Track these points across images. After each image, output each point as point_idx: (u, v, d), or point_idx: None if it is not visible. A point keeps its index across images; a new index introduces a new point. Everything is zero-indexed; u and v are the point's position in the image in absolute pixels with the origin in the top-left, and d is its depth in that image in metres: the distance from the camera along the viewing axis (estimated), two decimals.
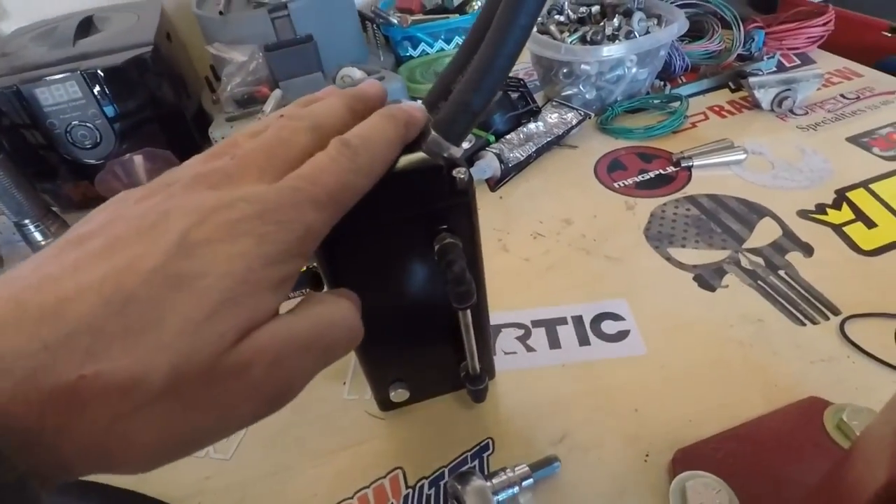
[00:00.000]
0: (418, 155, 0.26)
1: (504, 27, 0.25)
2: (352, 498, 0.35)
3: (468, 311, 0.31)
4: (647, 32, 0.65)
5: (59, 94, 0.60)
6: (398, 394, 0.37)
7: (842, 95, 0.68)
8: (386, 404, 0.39)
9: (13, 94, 0.59)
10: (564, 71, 0.66)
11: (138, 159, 0.62)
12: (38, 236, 0.59)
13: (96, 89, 0.60)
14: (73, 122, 0.61)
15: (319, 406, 0.41)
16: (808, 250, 0.48)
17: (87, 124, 0.62)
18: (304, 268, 0.43)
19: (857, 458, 0.22)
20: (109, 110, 0.62)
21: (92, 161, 0.64)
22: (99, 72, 0.60)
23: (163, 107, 0.66)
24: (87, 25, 0.71)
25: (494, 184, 0.61)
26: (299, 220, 0.19)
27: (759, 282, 0.46)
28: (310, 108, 0.24)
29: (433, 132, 0.27)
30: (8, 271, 0.17)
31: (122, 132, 0.64)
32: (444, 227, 0.29)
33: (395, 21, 0.77)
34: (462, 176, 0.27)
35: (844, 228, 0.50)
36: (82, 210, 0.68)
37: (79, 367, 0.14)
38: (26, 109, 0.60)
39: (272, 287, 0.18)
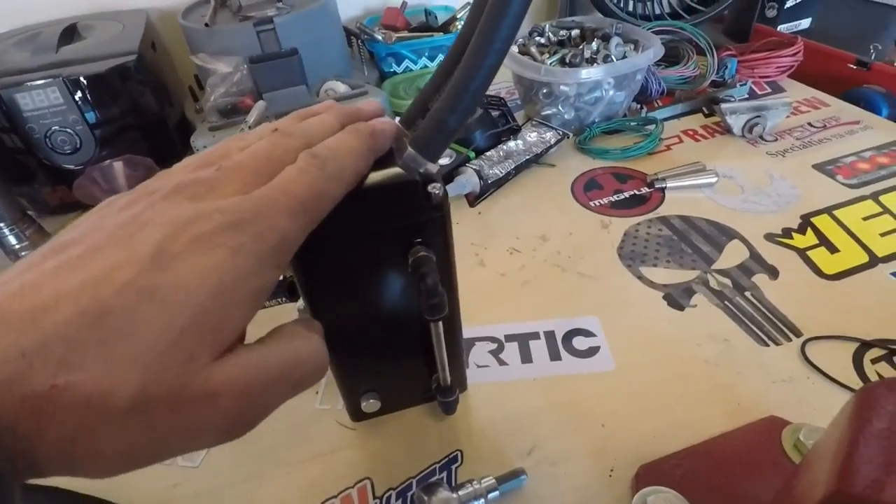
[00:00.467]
0: (394, 170, 0.27)
1: (480, 50, 0.26)
2: None
3: (440, 324, 0.31)
4: (625, 57, 0.67)
5: (39, 100, 0.59)
6: (370, 404, 0.37)
7: (809, 124, 0.71)
8: (357, 415, 0.39)
9: None
10: (544, 91, 0.68)
11: (118, 165, 0.62)
12: (12, 240, 0.58)
13: (78, 96, 0.60)
14: (54, 128, 0.61)
15: (291, 415, 0.41)
16: (773, 273, 0.50)
17: (68, 130, 0.62)
18: (282, 277, 0.44)
19: (803, 472, 0.23)
20: (91, 117, 0.62)
21: (71, 166, 0.64)
22: (81, 79, 0.60)
23: (145, 115, 0.66)
24: (70, 33, 0.71)
25: (474, 199, 0.62)
26: (274, 230, 0.19)
27: (727, 302, 0.47)
28: (304, 125, 0.25)
29: (410, 148, 0.28)
30: None
31: (103, 138, 0.64)
32: (419, 240, 0.29)
33: (380, 38, 0.79)
34: (437, 191, 0.28)
35: (808, 253, 0.51)
36: (59, 215, 0.67)
37: (52, 377, 0.15)
38: (5, 114, 0.60)
39: (245, 301, 0.19)
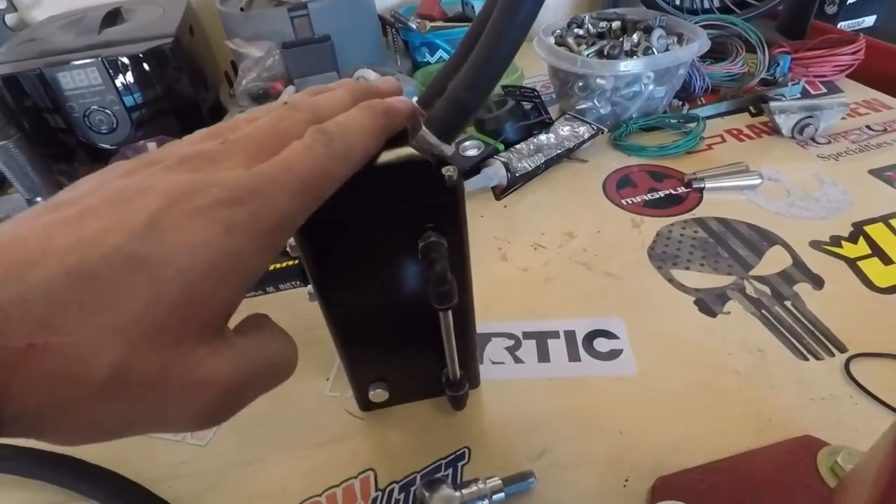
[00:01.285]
0: (406, 149, 0.26)
1: (500, 26, 0.25)
2: (320, 496, 0.35)
3: (449, 314, 0.30)
4: (667, 50, 0.64)
5: (80, 79, 0.61)
6: (377, 394, 0.36)
7: (867, 127, 0.66)
8: (366, 404, 0.38)
9: (36, 77, 0.61)
10: (580, 84, 0.66)
11: (151, 146, 0.63)
12: None
13: (116, 76, 0.62)
14: (92, 107, 0.63)
15: (300, 400, 0.41)
16: (818, 282, 0.46)
17: (105, 110, 0.63)
18: (295, 261, 0.43)
19: (839, 497, 0.21)
20: (127, 97, 0.63)
21: (107, 146, 0.65)
22: (119, 59, 0.61)
23: (179, 97, 0.67)
24: (114, 16, 0.73)
25: (500, 192, 0.60)
26: (273, 209, 0.19)
27: (764, 311, 0.44)
28: (314, 100, 0.24)
29: (424, 129, 0.27)
30: None
31: (139, 120, 0.65)
32: (431, 225, 0.28)
33: (414, 26, 0.78)
34: (451, 174, 0.26)
35: (859, 263, 0.48)
36: None
37: (30, 335, 0.14)
38: (48, 93, 0.61)
39: (236, 283, 0.18)
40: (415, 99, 0.29)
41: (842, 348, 0.40)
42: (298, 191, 0.19)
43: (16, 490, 0.36)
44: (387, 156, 0.25)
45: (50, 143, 0.65)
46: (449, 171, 0.26)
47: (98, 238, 0.16)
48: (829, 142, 0.64)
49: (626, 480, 0.34)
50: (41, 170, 0.58)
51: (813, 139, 0.64)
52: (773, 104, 0.64)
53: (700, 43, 0.63)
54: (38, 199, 0.59)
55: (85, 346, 0.15)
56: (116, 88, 0.62)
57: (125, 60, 0.61)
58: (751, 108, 0.71)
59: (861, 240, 0.50)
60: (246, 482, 0.36)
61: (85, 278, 0.15)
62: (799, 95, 0.72)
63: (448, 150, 0.27)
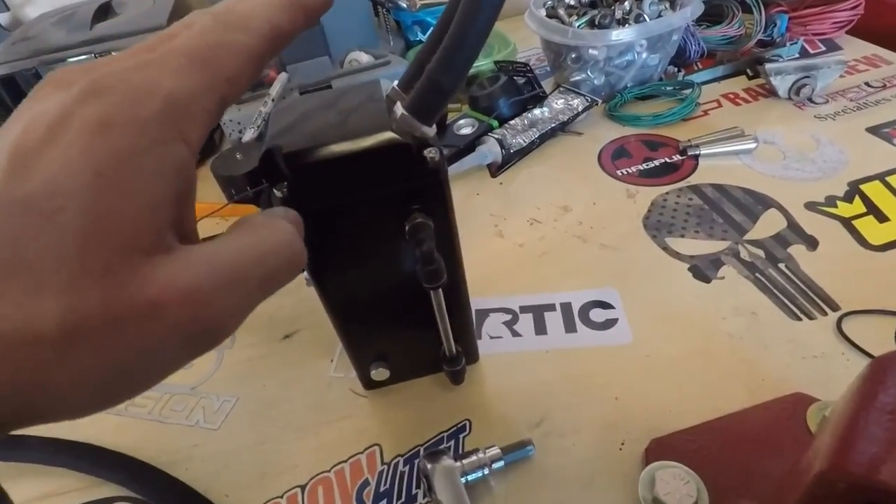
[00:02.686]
0: (387, 134, 0.26)
1: (472, 6, 0.25)
2: (329, 471, 0.36)
3: (440, 292, 0.31)
4: (660, 16, 0.63)
5: None
6: (378, 373, 0.37)
7: (866, 83, 0.65)
8: (369, 383, 0.40)
9: (33, 77, 0.61)
10: (573, 56, 0.65)
11: None
12: None
13: None
14: None
15: (307, 382, 0.42)
16: (812, 243, 0.46)
17: None
18: None
19: (813, 446, 0.22)
20: None
21: None
22: (114, 55, 0.61)
23: None
24: (105, 10, 0.73)
25: (496, 170, 0.60)
26: (151, 89, 0.16)
27: (757, 274, 0.44)
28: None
29: (404, 111, 0.27)
30: None
31: None
32: (417, 206, 0.29)
33: (405, 5, 0.77)
34: (433, 155, 0.27)
35: (854, 222, 0.48)
36: None
37: None
38: None
39: (145, 187, 0.15)
40: (395, 83, 0.30)
41: (834, 307, 0.41)
42: (184, 66, 0.17)
43: (38, 477, 0.38)
44: (368, 140, 0.26)
45: None
46: (431, 152, 0.27)
47: None
48: (827, 101, 0.63)
49: (622, 444, 0.35)
50: None
51: (810, 99, 0.64)
52: (768, 66, 0.63)
53: (693, 7, 0.62)
54: None
55: (17, 312, 0.13)
56: None
57: None
58: (748, 70, 0.71)
59: (857, 199, 0.50)
60: (258, 461, 0.38)
61: None
62: (797, 55, 0.71)
63: (429, 131, 0.28)
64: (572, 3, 0.69)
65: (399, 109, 0.27)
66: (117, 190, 0.15)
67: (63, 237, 0.14)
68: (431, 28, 0.29)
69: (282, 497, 0.35)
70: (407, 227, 0.28)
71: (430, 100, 0.27)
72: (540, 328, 0.43)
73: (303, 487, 0.36)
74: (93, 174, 0.14)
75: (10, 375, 0.14)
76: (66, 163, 0.14)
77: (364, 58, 0.68)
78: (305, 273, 0.32)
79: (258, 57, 0.18)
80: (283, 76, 0.64)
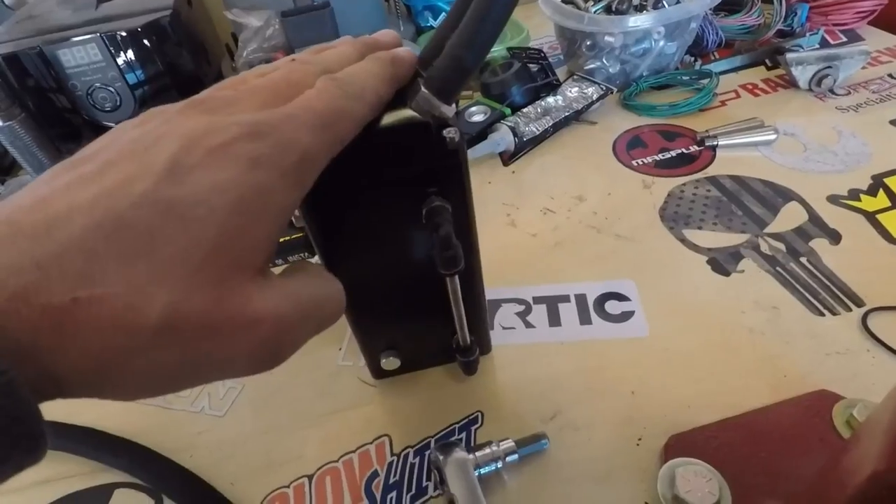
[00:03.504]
0: (405, 112, 0.25)
1: None
2: (337, 461, 0.35)
3: (456, 279, 0.30)
4: (678, 3, 0.62)
5: (80, 57, 0.61)
6: (389, 362, 0.36)
7: (890, 75, 0.63)
8: (378, 372, 0.39)
9: (37, 55, 0.60)
10: (588, 43, 0.64)
11: None
12: None
13: (116, 52, 0.61)
14: (95, 85, 0.62)
15: (314, 370, 0.41)
16: (834, 237, 0.45)
17: (108, 87, 0.63)
18: (301, 232, 0.43)
19: (853, 447, 0.20)
20: (129, 74, 0.63)
21: (112, 124, 0.65)
22: (118, 34, 0.60)
23: (181, 72, 0.66)
24: None
25: (508, 158, 0.59)
26: (294, 143, 0.19)
27: (778, 268, 0.43)
28: (323, 54, 0.24)
29: (424, 90, 0.26)
30: (13, 195, 0.17)
31: (142, 96, 0.64)
32: (434, 189, 0.28)
33: None
34: (452, 136, 0.26)
35: (878, 216, 0.46)
36: None
37: (72, 289, 0.14)
38: (50, 71, 0.61)
39: (268, 219, 0.18)
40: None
41: (859, 303, 0.40)
42: (317, 126, 0.19)
43: (41, 461, 0.37)
44: (386, 119, 0.25)
45: (55, 123, 0.65)
46: (450, 132, 0.26)
47: (122, 188, 0.16)
48: (849, 93, 0.62)
49: (640, 439, 0.34)
50: (48, 150, 0.58)
51: (831, 91, 0.62)
52: (789, 56, 0.62)
53: None
54: None
55: (130, 296, 0.15)
56: (118, 65, 0.61)
57: (124, 35, 0.61)
58: (766, 61, 0.69)
59: (881, 192, 0.49)
60: (264, 450, 0.37)
61: (116, 228, 0.15)
62: (817, 46, 0.69)
63: (449, 111, 0.26)
64: None
65: (419, 87, 0.26)
66: (252, 217, 0.17)
67: (194, 242, 0.16)
68: (452, 3, 0.28)
69: (288, 487, 0.35)
70: (424, 211, 0.27)
71: (451, 77, 0.26)
72: (554, 320, 0.42)
73: (310, 477, 0.35)
74: (237, 197, 0.17)
75: (97, 352, 0.14)
76: (219, 184, 0.16)
77: None
78: (317, 258, 0.31)
79: (364, 123, 0.22)
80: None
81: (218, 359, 0.17)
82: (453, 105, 0.26)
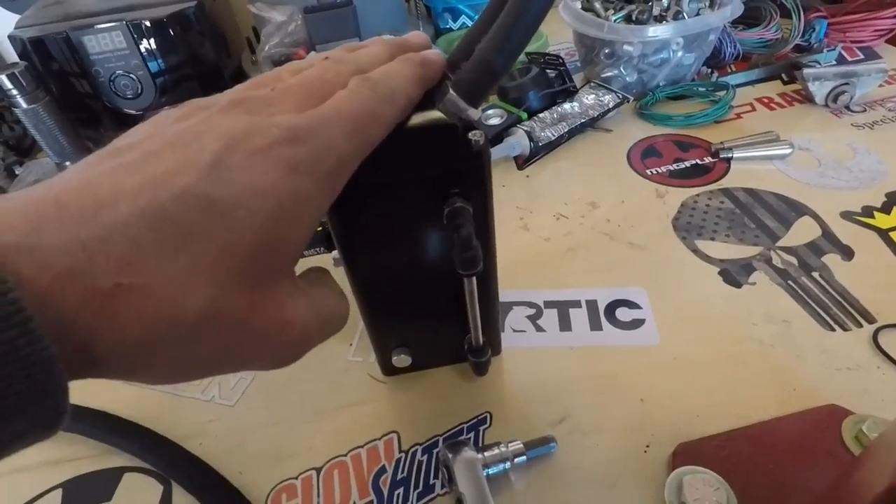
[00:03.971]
0: (433, 113, 0.25)
1: None
2: (345, 455, 0.36)
3: (473, 279, 0.30)
4: (698, 14, 0.62)
5: (104, 43, 0.61)
6: (400, 359, 0.37)
7: None
8: (389, 369, 0.39)
9: (63, 41, 0.61)
10: (606, 51, 0.64)
11: None
12: None
13: (140, 40, 0.62)
14: (117, 72, 0.63)
15: (324, 364, 0.41)
16: (847, 253, 0.45)
17: (130, 75, 0.63)
18: (319, 227, 0.43)
19: (865, 462, 0.21)
20: (152, 63, 0.63)
21: (132, 111, 0.66)
22: (143, 23, 0.61)
23: (202, 63, 0.67)
24: None
25: (523, 162, 0.59)
26: (330, 149, 0.19)
27: (790, 282, 0.43)
28: (355, 54, 0.25)
29: (451, 92, 0.26)
30: (57, 175, 0.17)
31: (163, 85, 0.65)
32: (456, 190, 0.28)
33: None
34: (478, 139, 0.26)
35: (891, 234, 0.46)
36: None
37: (115, 275, 0.14)
38: (74, 57, 0.62)
39: (302, 226, 0.19)
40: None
41: (870, 319, 0.40)
42: (351, 132, 0.20)
43: (51, 442, 0.37)
44: (414, 119, 0.25)
45: (76, 108, 0.65)
46: (476, 135, 0.26)
47: (166, 179, 0.16)
48: (865, 110, 0.62)
49: (647, 447, 0.34)
50: (69, 134, 0.59)
51: (847, 107, 0.62)
52: (806, 71, 0.62)
53: (733, 7, 0.61)
54: (67, 163, 0.60)
55: (172, 287, 0.15)
56: (141, 53, 0.62)
57: (148, 24, 0.61)
58: (783, 75, 0.69)
59: (894, 210, 0.49)
60: (273, 441, 0.37)
61: (158, 219, 0.15)
62: (834, 62, 0.69)
63: (475, 114, 0.27)
64: None
65: (447, 89, 0.26)
66: (288, 223, 0.18)
67: (233, 243, 0.16)
68: (477, 15, 0.29)
69: (296, 478, 0.35)
70: (446, 211, 0.28)
71: (479, 81, 0.26)
72: (564, 324, 0.42)
73: (318, 470, 0.35)
74: (276, 204, 0.17)
75: (135, 338, 0.15)
76: (260, 187, 0.17)
77: None
78: (335, 252, 0.31)
79: (393, 125, 0.22)
80: (312, 55, 0.63)
81: (245, 355, 0.18)
82: (479, 108, 0.26)
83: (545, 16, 0.25)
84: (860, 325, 0.39)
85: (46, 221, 0.14)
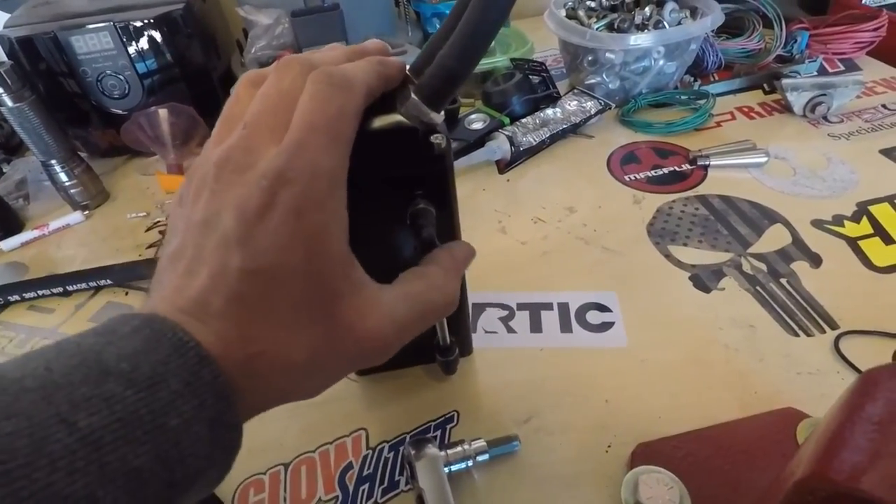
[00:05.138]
0: (394, 117, 0.26)
1: None
2: (314, 452, 0.36)
3: None
4: (679, 24, 0.63)
5: (92, 44, 0.62)
6: None
7: (883, 106, 0.65)
8: (360, 368, 0.39)
9: (50, 41, 0.62)
10: (589, 58, 0.65)
11: (163, 113, 0.64)
12: (63, 177, 0.61)
13: (127, 41, 0.62)
14: (105, 72, 0.64)
15: None
16: (815, 261, 0.46)
17: (118, 75, 0.64)
18: None
19: (796, 456, 0.21)
20: (139, 63, 0.64)
21: (119, 111, 0.66)
22: (131, 24, 0.62)
23: (190, 64, 0.68)
24: None
25: (504, 166, 0.60)
26: (318, 174, 0.20)
27: (758, 287, 0.44)
28: (309, 54, 0.25)
29: (413, 96, 0.27)
30: (151, 291, 0.21)
31: (150, 86, 0.66)
32: (420, 192, 0.29)
33: None
34: (439, 142, 0.27)
35: (860, 242, 0.47)
36: (108, 157, 0.71)
37: (243, 349, 0.19)
38: (62, 56, 0.62)
39: (337, 249, 0.21)
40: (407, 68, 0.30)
41: (833, 325, 0.41)
42: (327, 144, 0.21)
43: None
44: (377, 122, 0.26)
45: (64, 107, 0.66)
46: (437, 138, 0.27)
47: (223, 267, 0.19)
48: (842, 120, 0.63)
49: (609, 446, 0.35)
50: (55, 133, 0.59)
51: (825, 118, 0.63)
52: (784, 81, 0.63)
53: (713, 17, 0.62)
54: (53, 161, 0.60)
55: (277, 347, 0.19)
56: (128, 54, 0.63)
57: (137, 25, 0.62)
58: (764, 85, 0.70)
59: (864, 219, 0.50)
60: (245, 435, 0.38)
61: (239, 302, 0.19)
62: (815, 73, 0.70)
63: (437, 118, 0.28)
64: (593, 5, 0.69)
65: (409, 93, 0.27)
66: (320, 255, 0.20)
67: (291, 295, 0.19)
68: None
69: (265, 474, 0.35)
70: (409, 212, 0.28)
71: (440, 86, 0.27)
72: (535, 326, 0.43)
73: (286, 466, 0.36)
74: (304, 252, 0.19)
75: (272, 385, 0.20)
76: (281, 242, 0.19)
77: None
78: None
79: (360, 112, 0.23)
80: None
81: (347, 367, 0.23)
82: (442, 112, 0.27)
83: (501, 24, 0.26)
84: (823, 331, 0.40)
85: (190, 326, 0.18)
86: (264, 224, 0.19)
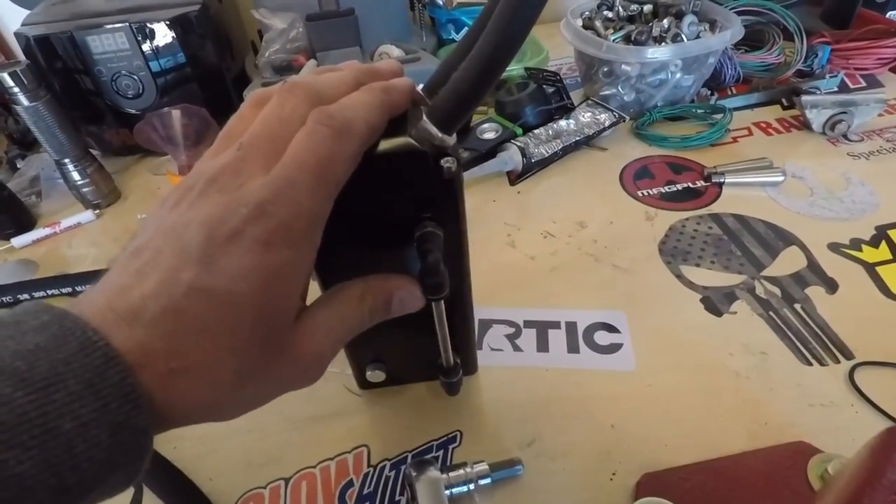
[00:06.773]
0: (403, 139, 0.26)
1: (506, 17, 0.24)
2: (314, 467, 0.36)
3: (441, 303, 0.30)
4: (698, 37, 0.62)
5: (108, 44, 0.62)
6: (374, 374, 0.37)
7: None
8: (364, 382, 0.39)
9: (67, 40, 0.62)
10: (605, 70, 0.64)
11: (176, 113, 0.64)
12: (75, 176, 0.62)
13: (142, 42, 0.62)
14: (120, 72, 0.64)
15: None
16: (831, 286, 0.45)
17: (132, 75, 0.64)
18: None
19: (819, 500, 0.21)
20: (153, 63, 0.64)
21: (133, 111, 0.66)
22: (147, 25, 0.62)
23: (204, 65, 0.68)
24: None
25: (515, 178, 0.59)
26: (297, 214, 0.20)
27: (771, 313, 0.43)
28: (315, 78, 0.25)
29: (425, 118, 0.27)
30: (101, 279, 0.21)
31: (164, 86, 0.66)
32: (428, 215, 0.28)
33: (441, 2, 0.76)
34: (449, 165, 0.26)
35: (878, 268, 0.46)
36: (121, 156, 0.71)
37: (165, 363, 0.18)
38: (78, 55, 0.63)
39: (292, 287, 0.21)
40: (420, 87, 0.29)
41: (848, 355, 0.40)
42: (313, 186, 0.21)
43: None
44: (386, 145, 0.25)
45: (79, 106, 0.66)
46: (447, 162, 0.26)
47: (173, 278, 0.19)
48: (862, 139, 0.61)
49: (614, 474, 0.34)
50: (69, 132, 0.59)
51: (845, 136, 0.62)
52: (804, 98, 0.61)
53: (733, 31, 0.61)
54: (66, 160, 0.60)
55: (208, 366, 0.19)
56: (143, 54, 0.63)
57: (152, 26, 0.62)
58: (783, 100, 0.69)
59: (883, 244, 0.48)
60: (246, 449, 0.38)
61: (178, 316, 0.19)
62: (836, 89, 0.69)
63: (449, 140, 0.27)
64: (610, 16, 0.68)
65: (421, 115, 0.26)
66: (276, 292, 0.21)
67: (237, 319, 0.20)
68: (465, 31, 0.29)
69: (265, 488, 0.35)
70: (416, 235, 0.28)
71: (452, 109, 0.26)
72: (542, 345, 0.42)
73: (286, 481, 0.36)
74: (261, 282, 0.20)
75: (194, 401, 0.20)
76: (243, 271, 0.19)
77: (395, 52, 0.68)
78: None
79: (357, 158, 0.23)
80: (311, 63, 0.64)
81: (277, 389, 0.23)
82: (454, 135, 0.27)
83: (517, 50, 0.26)
84: (837, 361, 0.39)
85: (114, 328, 0.18)
86: (229, 249, 0.19)
